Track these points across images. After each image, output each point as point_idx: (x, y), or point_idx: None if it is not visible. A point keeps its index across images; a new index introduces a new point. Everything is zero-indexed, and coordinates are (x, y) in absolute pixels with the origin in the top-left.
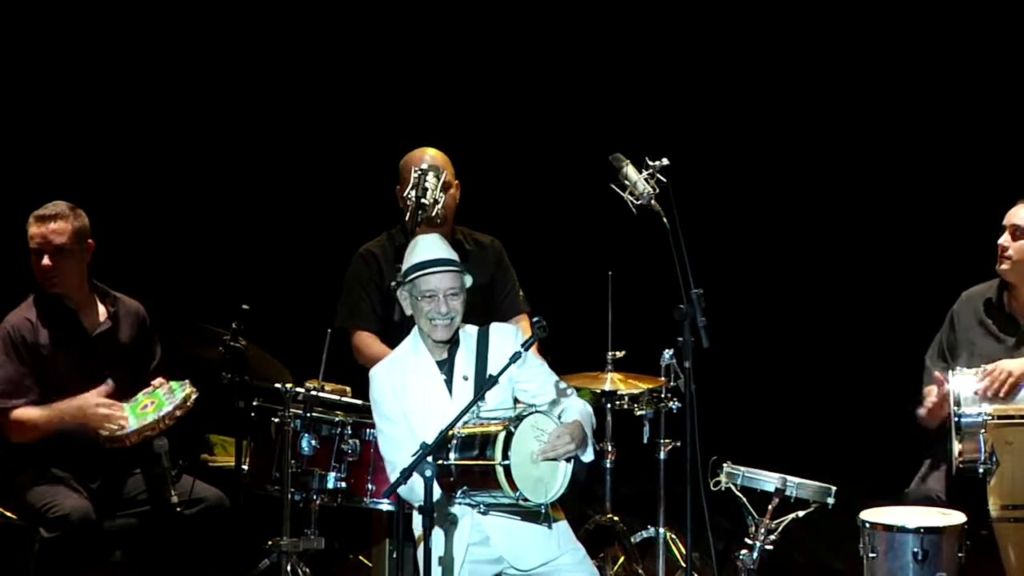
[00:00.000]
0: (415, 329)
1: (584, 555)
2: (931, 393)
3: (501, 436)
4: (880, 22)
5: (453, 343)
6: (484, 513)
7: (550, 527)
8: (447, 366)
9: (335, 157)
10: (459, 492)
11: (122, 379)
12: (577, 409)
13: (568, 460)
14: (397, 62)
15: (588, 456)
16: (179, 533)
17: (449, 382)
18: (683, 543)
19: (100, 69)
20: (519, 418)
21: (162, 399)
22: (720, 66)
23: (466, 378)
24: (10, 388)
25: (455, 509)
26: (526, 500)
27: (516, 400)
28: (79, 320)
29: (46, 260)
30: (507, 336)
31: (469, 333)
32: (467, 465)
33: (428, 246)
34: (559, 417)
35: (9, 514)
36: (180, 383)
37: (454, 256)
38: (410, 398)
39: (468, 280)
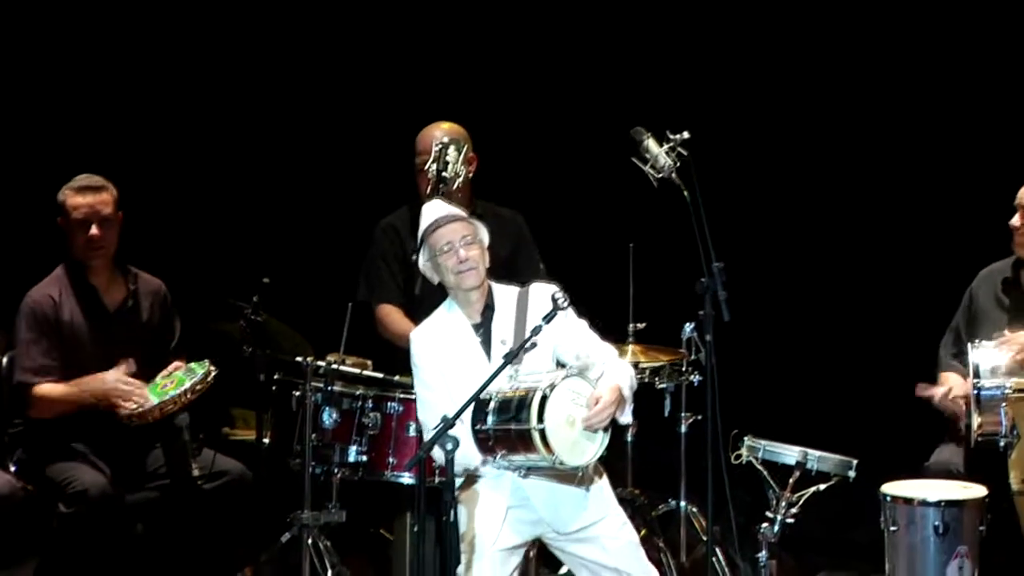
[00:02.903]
0: (449, 296)
1: (625, 520)
2: (936, 390)
3: (536, 399)
4: None
5: (488, 306)
6: (524, 477)
7: (588, 489)
8: (483, 329)
9: (355, 129)
10: (498, 456)
11: (142, 357)
12: (617, 370)
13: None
14: (416, 34)
15: (626, 418)
16: (200, 506)
17: (487, 345)
18: (704, 516)
19: (119, 42)
20: (554, 382)
21: (182, 377)
22: (742, 38)
23: (504, 341)
24: (35, 364)
25: (496, 472)
26: (563, 463)
27: (558, 364)
28: (100, 298)
29: (95, 230)
30: (547, 297)
31: (508, 295)
32: (504, 429)
33: (432, 210)
34: (599, 379)
35: (30, 488)
36: (200, 362)
37: (460, 211)
38: (447, 362)
39: (483, 232)
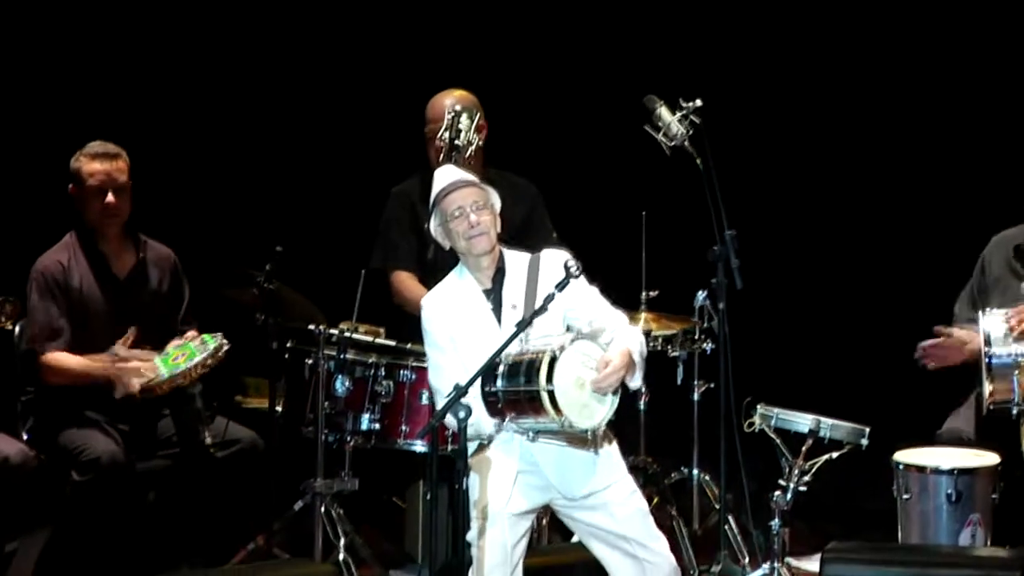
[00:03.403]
0: (460, 262)
1: (634, 488)
2: (947, 337)
3: (545, 361)
4: None
5: (499, 272)
6: (533, 440)
7: (596, 452)
8: (493, 295)
9: (366, 97)
10: (507, 418)
11: (151, 324)
12: (628, 336)
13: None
14: (427, 1)
15: (636, 383)
16: (213, 475)
17: (497, 311)
18: (717, 485)
19: (128, 9)
20: (564, 344)
21: (193, 350)
22: (754, 5)
23: (515, 306)
24: (44, 331)
25: (505, 436)
26: (572, 426)
27: (568, 328)
28: (110, 265)
29: (111, 197)
30: (559, 263)
31: (519, 260)
32: (513, 391)
33: (444, 175)
34: (609, 343)
35: (42, 456)
36: (212, 335)
37: (472, 176)
38: (458, 327)
39: (494, 197)
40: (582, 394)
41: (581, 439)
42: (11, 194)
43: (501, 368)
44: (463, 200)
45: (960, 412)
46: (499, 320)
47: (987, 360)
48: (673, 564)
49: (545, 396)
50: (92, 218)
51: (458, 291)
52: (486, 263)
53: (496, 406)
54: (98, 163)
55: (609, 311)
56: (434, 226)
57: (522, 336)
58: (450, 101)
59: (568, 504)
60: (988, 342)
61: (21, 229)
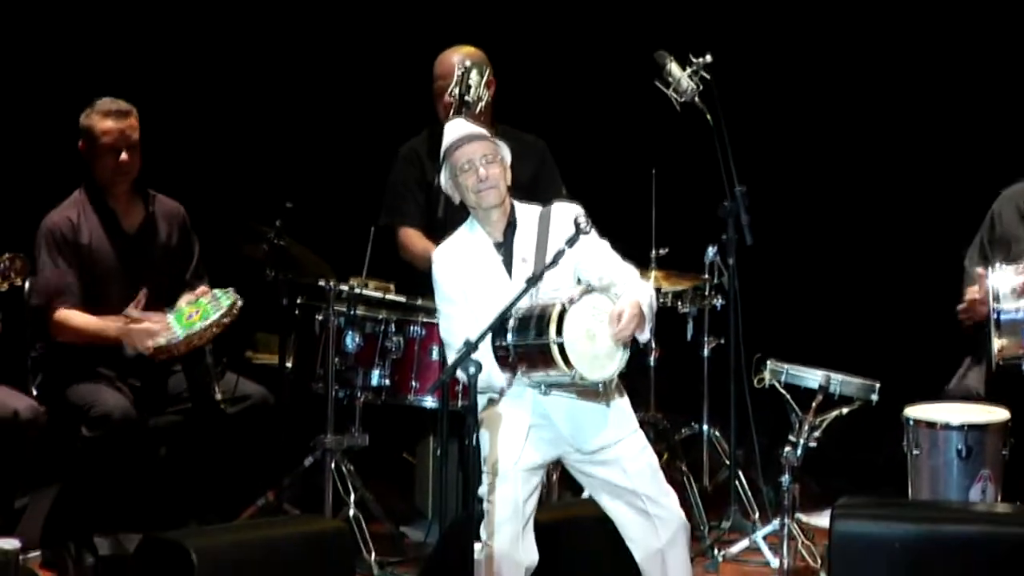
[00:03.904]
0: (471, 216)
1: (645, 444)
2: (971, 291)
3: (555, 313)
4: None
5: (509, 225)
6: (546, 394)
7: (608, 405)
8: (504, 248)
9: (376, 52)
10: (519, 372)
11: (160, 279)
12: (638, 288)
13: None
14: None
15: (645, 336)
16: (223, 430)
17: (508, 263)
18: (727, 441)
19: None
20: (574, 296)
21: (207, 308)
22: None
23: (525, 260)
24: (54, 287)
25: (517, 390)
26: (583, 378)
27: (579, 282)
28: (119, 220)
29: (124, 155)
30: (569, 217)
31: (530, 214)
32: (524, 344)
33: (454, 128)
34: (619, 296)
35: (51, 412)
36: (225, 291)
37: (482, 130)
38: (469, 279)
39: (504, 151)
40: (593, 346)
41: (593, 392)
42: (17, 150)
43: (511, 322)
44: (473, 154)
45: (970, 368)
46: (510, 273)
47: (995, 316)
48: (683, 519)
49: (555, 348)
50: (103, 175)
51: (469, 244)
52: (496, 216)
53: (507, 360)
54: (111, 121)
55: (620, 264)
56: (444, 179)
57: (532, 290)
58: (459, 57)
59: (580, 459)
60: (997, 298)
61: (27, 185)
